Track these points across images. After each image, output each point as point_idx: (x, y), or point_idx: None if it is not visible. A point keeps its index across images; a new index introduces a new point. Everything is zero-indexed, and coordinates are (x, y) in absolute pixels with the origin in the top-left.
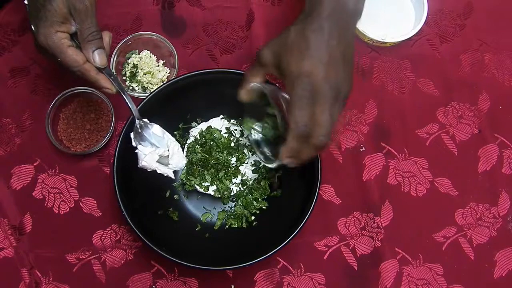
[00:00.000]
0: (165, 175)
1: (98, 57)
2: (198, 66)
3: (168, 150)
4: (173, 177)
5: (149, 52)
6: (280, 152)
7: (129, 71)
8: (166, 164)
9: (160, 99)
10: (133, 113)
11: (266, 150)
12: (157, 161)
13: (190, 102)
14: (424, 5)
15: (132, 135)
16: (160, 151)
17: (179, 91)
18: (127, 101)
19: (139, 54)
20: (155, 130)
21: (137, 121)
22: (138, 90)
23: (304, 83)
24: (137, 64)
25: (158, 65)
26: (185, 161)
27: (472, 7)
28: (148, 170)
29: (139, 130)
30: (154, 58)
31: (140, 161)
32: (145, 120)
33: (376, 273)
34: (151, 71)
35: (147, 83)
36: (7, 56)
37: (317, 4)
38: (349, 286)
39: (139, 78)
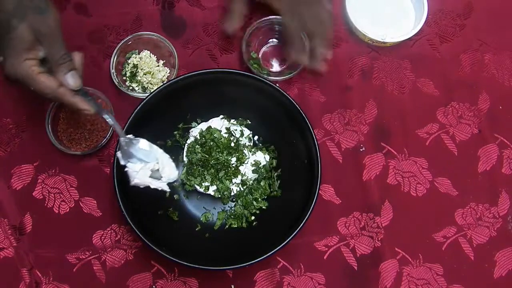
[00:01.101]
0: (160, 189)
1: (71, 79)
2: (198, 66)
3: (157, 163)
4: (168, 190)
5: (149, 52)
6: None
7: (129, 71)
8: (159, 178)
9: (160, 99)
10: (117, 131)
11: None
12: (149, 176)
13: (190, 102)
14: (424, 5)
15: (119, 154)
16: (150, 165)
17: (179, 91)
18: (108, 120)
19: (139, 54)
20: (142, 145)
21: (121, 139)
22: (138, 90)
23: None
24: (137, 64)
25: (158, 65)
26: (177, 172)
27: (472, 7)
28: (141, 187)
29: (125, 148)
30: (154, 58)
31: (132, 179)
32: (130, 136)
33: (376, 273)
34: (151, 71)
35: (147, 83)
36: None
37: None
38: (349, 286)
39: (139, 78)
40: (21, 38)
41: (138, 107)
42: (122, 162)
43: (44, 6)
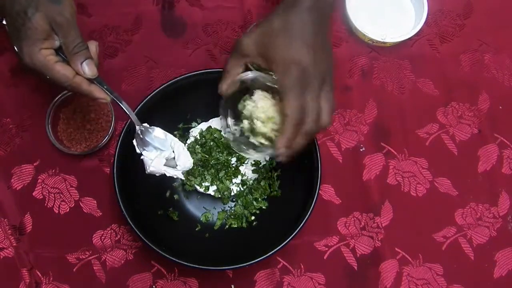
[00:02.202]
0: (175, 177)
1: (87, 68)
2: (198, 66)
3: (173, 152)
4: (183, 178)
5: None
6: (276, 141)
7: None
8: (174, 166)
9: (160, 99)
10: (133, 119)
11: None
12: (164, 164)
13: (190, 102)
14: (424, 5)
15: (134, 142)
16: (165, 153)
17: (179, 91)
18: (124, 108)
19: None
20: (157, 133)
21: (137, 127)
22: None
23: (296, 70)
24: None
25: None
26: (191, 160)
27: (472, 7)
28: (157, 175)
29: (141, 136)
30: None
31: (147, 167)
32: (145, 125)
33: (376, 273)
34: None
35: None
36: (8, 55)
37: None
38: (349, 286)
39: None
40: (36, 28)
41: (138, 107)
42: (138, 150)
43: None
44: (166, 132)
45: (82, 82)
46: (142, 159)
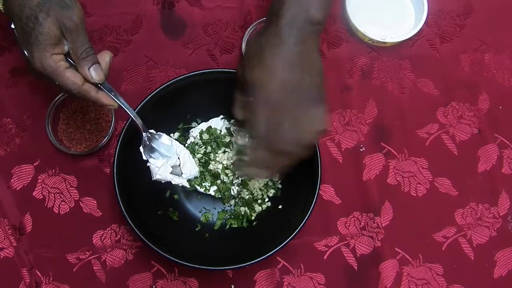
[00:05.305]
0: (180, 185)
1: (94, 73)
2: (198, 66)
3: (178, 159)
4: (188, 186)
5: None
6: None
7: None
8: (179, 174)
9: (160, 100)
10: (139, 126)
11: None
12: (170, 173)
13: (190, 102)
14: (424, 5)
15: (141, 149)
16: (172, 161)
17: (179, 91)
18: (132, 116)
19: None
20: (163, 140)
21: (144, 134)
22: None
23: (259, 90)
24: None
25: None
26: (197, 168)
27: (472, 7)
28: (162, 182)
29: (147, 142)
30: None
31: (154, 175)
32: (152, 131)
33: (376, 273)
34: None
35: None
36: (7, 56)
37: (276, 14)
38: (349, 286)
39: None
40: (48, 33)
41: (138, 108)
42: (144, 157)
43: (69, 1)
44: (172, 139)
45: (91, 89)
46: (148, 166)
